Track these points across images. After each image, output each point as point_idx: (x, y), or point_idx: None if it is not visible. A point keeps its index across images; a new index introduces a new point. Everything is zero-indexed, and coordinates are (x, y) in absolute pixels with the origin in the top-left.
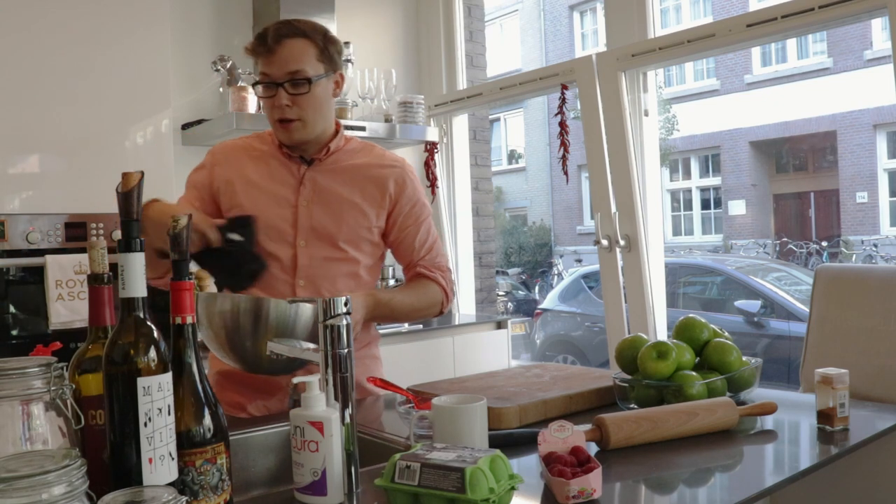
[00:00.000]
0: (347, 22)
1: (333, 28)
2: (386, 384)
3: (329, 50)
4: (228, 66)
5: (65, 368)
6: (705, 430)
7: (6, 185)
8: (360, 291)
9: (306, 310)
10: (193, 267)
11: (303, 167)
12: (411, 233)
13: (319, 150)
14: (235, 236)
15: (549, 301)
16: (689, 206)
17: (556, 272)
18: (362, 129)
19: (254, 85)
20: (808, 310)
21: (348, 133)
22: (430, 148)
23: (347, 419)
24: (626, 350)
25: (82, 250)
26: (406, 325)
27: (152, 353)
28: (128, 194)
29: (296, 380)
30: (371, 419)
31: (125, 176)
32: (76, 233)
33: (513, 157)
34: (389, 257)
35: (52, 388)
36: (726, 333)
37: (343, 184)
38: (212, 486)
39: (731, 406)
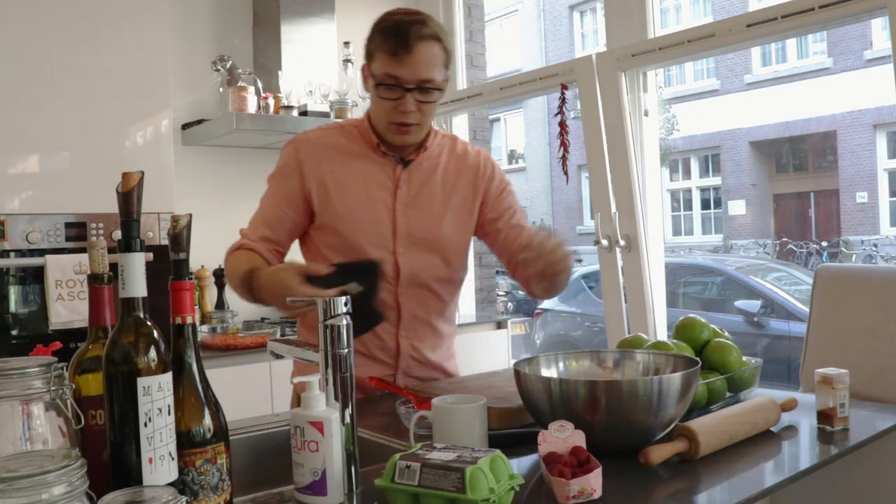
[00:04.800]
0: (347, 22)
1: (333, 28)
2: (386, 384)
3: (451, 53)
4: (228, 66)
5: (65, 368)
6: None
7: (6, 185)
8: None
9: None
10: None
11: (398, 168)
12: (516, 216)
13: (416, 150)
14: (354, 286)
15: (549, 301)
16: (689, 206)
17: None
18: None
19: (376, 84)
20: (808, 310)
21: None
22: None
23: (347, 419)
24: None
25: (82, 250)
26: None
27: (152, 353)
28: (128, 194)
29: (296, 380)
30: (371, 419)
31: (125, 176)
32: (76, 233)
33: (513, 157)
34: None
35: (52, 388)
36: (726, 333)
37: (437, 185)
38: (212, 486)
39: (775, 407)
